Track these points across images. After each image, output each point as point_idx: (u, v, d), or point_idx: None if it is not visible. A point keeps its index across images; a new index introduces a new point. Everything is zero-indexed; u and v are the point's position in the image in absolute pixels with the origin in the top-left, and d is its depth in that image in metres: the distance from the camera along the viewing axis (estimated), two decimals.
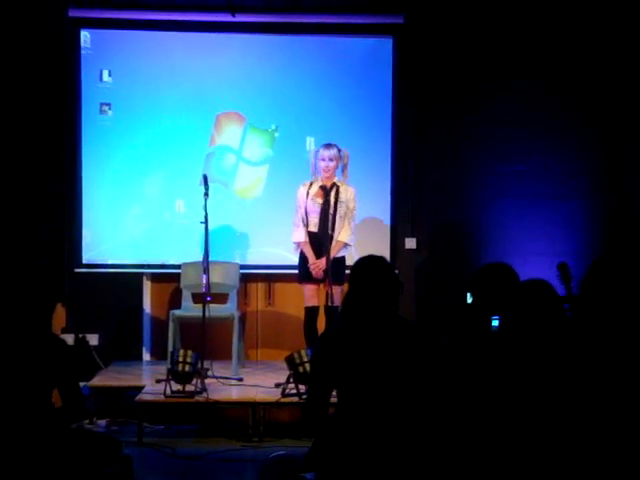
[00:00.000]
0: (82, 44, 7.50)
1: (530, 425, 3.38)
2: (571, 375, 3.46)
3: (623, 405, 3.47)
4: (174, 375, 6.06)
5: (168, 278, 7.58)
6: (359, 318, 3.56)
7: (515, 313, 3.55)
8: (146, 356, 7.68)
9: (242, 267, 7.41)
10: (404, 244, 7.68)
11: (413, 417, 3.49)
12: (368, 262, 3.66)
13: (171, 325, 6.97)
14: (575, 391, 3.44)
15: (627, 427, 3.44)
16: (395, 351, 3.51)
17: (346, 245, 6.63)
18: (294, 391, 6.02)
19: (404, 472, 3.39)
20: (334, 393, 3.61)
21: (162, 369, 6.49)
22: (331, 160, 6.56)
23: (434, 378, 3.58)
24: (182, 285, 7.31)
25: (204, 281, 6.59)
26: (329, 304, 6.31)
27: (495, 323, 3.93)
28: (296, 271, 6.77)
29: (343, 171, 6.65)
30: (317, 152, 6.65)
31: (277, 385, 6.28)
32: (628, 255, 7.32)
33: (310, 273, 6.54)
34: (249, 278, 7.63)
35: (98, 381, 6.68)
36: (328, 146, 6.60)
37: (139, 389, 6.31)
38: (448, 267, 7.62)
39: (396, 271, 7.15)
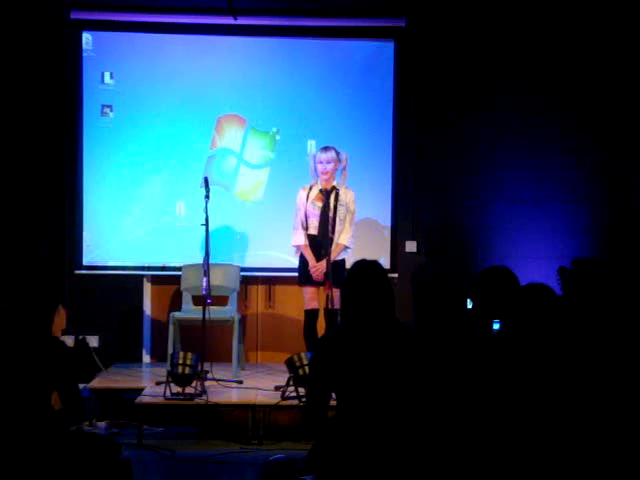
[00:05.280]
0: (84, 46, 7.50)
1: (534, 427, 3.38)
2: (572, 377, 3.46)
3: (625, 406, 3.47)
4: (174, 377, 6.06)
5: (168, 280, 7.58)
6: (357, 322, 3.56)
7: (516, 317, 3.56)
8: (146, 358, 7.67)
9: (242, 269, 7.40)
10: (404, 247, 7.69)
11: (412, 420, 3.49)
12: (359, 267, 3.68)
13: (171, 327, 6.97)
14: (577, 393, 3.45)
15: (629, 429, 3.45)
16: (393, 355, 3.51)
17: (346, 248, 6.63)
18: (294, 394, 6.01)
19: (403, 475, 3.40)
20: (334, 396, 3.62)
21: (162, 371, 6.49)
22: (329, 163, 6.56)
23: (434, 381, 3.58)
24: (182, 287, 7.31)
25: (204, 283, 6.59)
26: (329, 307, 6.30)
27: (496, 327, 3.93)
28: (296, 274, 6.78)
29: (342, 174, 6.66)
30: (315, 156, 6.65)
31: (277, 388, 6.28)
32: (616, 257, 7.34)
33: (310, 276, 6.54)
34: (249, 280, 7.63)
35: (98, 383, 6.68)
36: (325, 149, 6.60)
37: (139, 391, 6.30)
38: (448, 270, 7.62)
39: (396, 275, 7.28)
